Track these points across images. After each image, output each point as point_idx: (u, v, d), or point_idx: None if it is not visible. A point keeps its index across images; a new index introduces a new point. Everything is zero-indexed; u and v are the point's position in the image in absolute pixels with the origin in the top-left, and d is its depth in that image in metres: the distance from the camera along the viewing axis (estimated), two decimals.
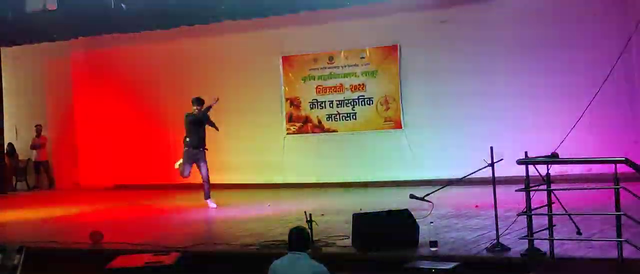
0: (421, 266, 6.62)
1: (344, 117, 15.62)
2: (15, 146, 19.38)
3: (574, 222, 7.25)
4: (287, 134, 16.17)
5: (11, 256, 9.00)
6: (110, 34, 15.37)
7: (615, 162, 6.49)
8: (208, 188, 12.55)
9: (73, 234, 10.20)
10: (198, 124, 12.38)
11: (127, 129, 17.74)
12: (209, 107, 12.36)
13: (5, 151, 18.64)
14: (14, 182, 19.42)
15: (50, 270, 9.06)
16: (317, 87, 15.80)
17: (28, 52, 18.60)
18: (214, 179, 16.21)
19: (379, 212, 8.35)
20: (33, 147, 19.24)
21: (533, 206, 6.87)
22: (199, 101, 12.42)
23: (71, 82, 18.77)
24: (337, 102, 15.63)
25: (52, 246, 9.39)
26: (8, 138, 18.87)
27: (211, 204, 12.51)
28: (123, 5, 13.15)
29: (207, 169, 12.40)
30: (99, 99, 18.24)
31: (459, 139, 14.25)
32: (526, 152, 7.14)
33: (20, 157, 19.57)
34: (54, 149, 19.46)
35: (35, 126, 19.17)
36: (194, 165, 12.48)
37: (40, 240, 9.64)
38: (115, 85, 17.93)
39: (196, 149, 12.33)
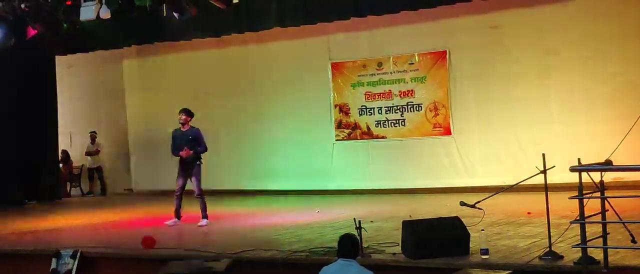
0: None
1: (392, 124, 15.57)
2: (69, 153, 19.74)
3: (628, 230, 7.12)
4: (336, 140, 16.18)
5: (66, 261, 9.19)
6: (161, 42, 15.57)
7: None
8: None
9: (126, 240, 10.34)
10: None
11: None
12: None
13: (59, 158, 18.99)
14: (68, 189, 19.77)
15: None
16: (365, 94, 15.78)
17: (82, 60, 18.95)
18: (263, 185, 16.39)
19: (429, 219, 8.30)
20: (87, 153, 19.58)
21: (586, 213, 6.76)
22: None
23: (123, 89, 19.06)
24: (386, 109, 15.59)
25: (106, 251, 9.54)
26: (63, 145, 19.22)
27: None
28: (175, 14, 13.30)
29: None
30: (150, 106, 18.46)
31: (509, 145, 14.11)
32: (579, 159, 7.04)
33: (74, 164, 19.93)
34: (107, 156, 19.78)
35: (90, 133, 19.52)
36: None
37: (94, 245, 9.81)
38: (166, 92, 18.12)
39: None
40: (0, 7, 14.57)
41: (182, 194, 11.83)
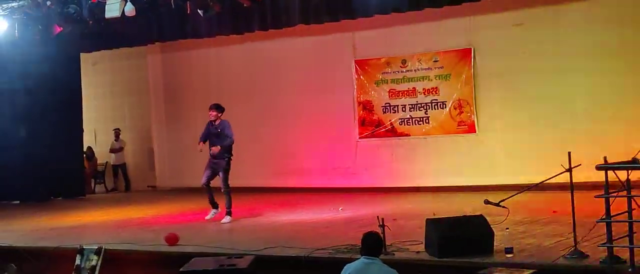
0: (496, 273, 6.51)
1: (416, 121, 15.51)
2: (94, 150, 19.88)
3: None
4: (360, 138, 16.15)
5: (90, 257, 9.24)
6: (185, 39, 15.61)
7: None
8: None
9: (149, 237, 10.39)
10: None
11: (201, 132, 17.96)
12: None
13: (84, 155, 19.12)
14: (92, 185, 19.91)
15: (127, 271, 9.26)
16: (389, 91, 15.73)
17: (106, 57, 19.07)
18: (286, 182, 16.40)
19: (453, 217, 8.26)
20: (112, 150, 19.71)
21: (612, 212, 6.68)
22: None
23: (148, 86, 19.15)
24: (410, 106, 15.52)
25: (129, 247, 9.58)
26: (87, 141, 19.35)
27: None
28: (199, 11, 13.33)
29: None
30: (174, 103, 18.54)
31: (534, 143, 14.00)
32: (605, 158, 6.95)
33: (98, 161, 20.06)
34: (131, 153, 19.89)
35: (114, 130, 19.65)
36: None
37: (117, 242, 9.86)
38: (190, 88, 18.21)
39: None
40: (27, 5, 14.69)
41: (209, 185, 11.96)
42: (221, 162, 11.85)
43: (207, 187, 11.98)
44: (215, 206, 12.09)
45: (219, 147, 11.75)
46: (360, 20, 14.24)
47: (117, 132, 19.61)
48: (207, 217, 12.09)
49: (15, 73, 17.10)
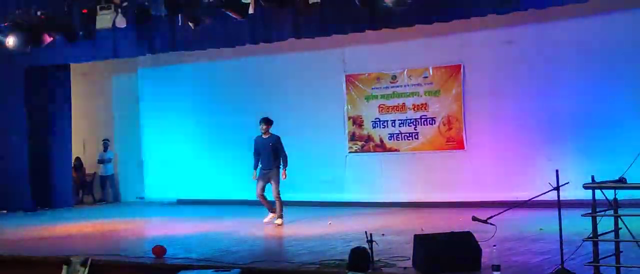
0: None
1: (406, 137, 15.55)
2: (82, 160, 19.80)
3: None
4: (349, 152, 16.17)
5: (76, 268, 9.20)
6: (176, 51, 15.61)
7: None
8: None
9: (136, 248, 10.35)
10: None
11: (191, 145, 17.96)
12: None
13: (72, 165, 19.04)
14: (80, 196, 19.83)
15: None
16: (379, 106, 15.77)
17: (97, 68, 19.03)
18: None
19: (441, 233, 8.27)
20: (100, 161, 19.64)
21: (599, 231, 6.72)
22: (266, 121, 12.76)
23: (138, 98, 19.12)
24: (400, 122, 15.57)
25: (116, 259, 9.55)
26: (76, 152, 19.28)
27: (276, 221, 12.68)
28: (190, 24, 13.34)
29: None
30: (164, 114, 18.51)
31: (523, 161, 14.05)
32: (593, 177, 6.99)
33: (87, 171, 19.99)
34: (120, 164, 19.83)
35: (103, 141, 19.58)
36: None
37: (104, 253, 9.82)
38: (180, 101, 18.18)
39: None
40: (17, 14, 14.67)
41: (263, 194, 12.73)
42: (274, 172, 12.65)
43: (263, 197, 12.78)
44: (271, 210, 12.78)
45: (285, 175, 12.65)
46: (352, 35, 14.29)
47: (105, 144, 19.55)
48: (265, 220, 12.78)
49: (3, 82, 17.04)
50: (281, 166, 12.60)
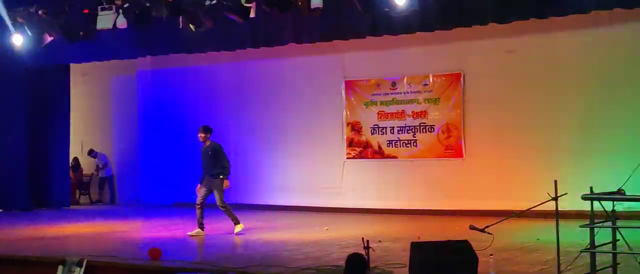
0: None
1: (404, 144, 15.54)
2: (80, 161, 19.78)
3: (638, 261, 7.04)
4: (347, 158, 16.15)
5: (72, 269, 9.16)
6: (176, 53, 15.62)
7: None
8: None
9: (132, 250, 10.32)
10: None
11: (189, 147, 17.93)
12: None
13: (70, 165, 19.02)
14: (77, 196, 19.80)
15: None
16: (378, 113, 15.76)
17: (96, 68, 19.02)
18: (272, 200, 16.38)
19: (437, 242, 8.24)
20: (97, 170, 19.66)
21: (597, 242, 6.70)
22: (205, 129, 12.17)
23: (137, 99, 19.11)
24: (398, 129, 15.55)
25: (112, 260, 9.51)
26: (74, 152, 19.25)
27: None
28: (191, 26, 13.34)
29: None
30: (162, 116, 18.51)
31: (521, 170, 14.04)
32: (591, 188, 6.98)
33: (84, 172, 19.96)
34: (117, 165, 19.81)
35: (89, 151, 19.58)
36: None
37: (100, 254, 9.79)
38: (179, 103, 18.19)
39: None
40: (18, 14, 14.67)
41: (201, 204, 12.02)
42: (216, 182, 11.94)
43: (201, 207, 12.03)
44: (201, 227, 12.05)
45: (227, 181, 11.98)
46: (352, 41, 14.30)
47: (92, 153, 19.53)
48: (190, 233, 12.02)
49: (3, 82, 17.03)
50: (221, 176, 11.95)
